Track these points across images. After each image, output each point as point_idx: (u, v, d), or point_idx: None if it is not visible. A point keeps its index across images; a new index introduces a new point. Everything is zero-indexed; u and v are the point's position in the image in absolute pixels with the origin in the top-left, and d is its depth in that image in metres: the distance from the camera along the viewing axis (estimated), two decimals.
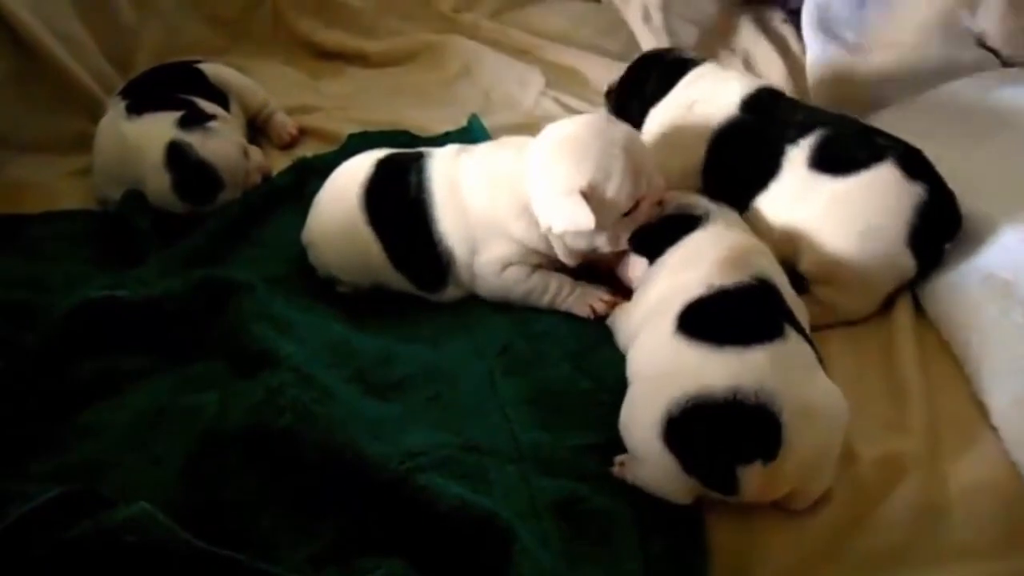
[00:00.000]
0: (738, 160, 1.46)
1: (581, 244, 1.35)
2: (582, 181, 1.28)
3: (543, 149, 1.34)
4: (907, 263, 1.37)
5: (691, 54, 1.64)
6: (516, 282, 1.40)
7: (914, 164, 1.37)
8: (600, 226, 1.29)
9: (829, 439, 1.12)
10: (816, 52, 2.02)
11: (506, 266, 1.40)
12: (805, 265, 1.39)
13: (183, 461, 1.16)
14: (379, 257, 1.45)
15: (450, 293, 1.46)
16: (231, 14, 2.27)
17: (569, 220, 1.29)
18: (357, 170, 1.49)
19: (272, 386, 1.20)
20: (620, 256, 1.39)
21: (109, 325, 1.34)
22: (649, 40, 2.07)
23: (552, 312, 1.42)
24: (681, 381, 1.10)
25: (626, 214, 1.32)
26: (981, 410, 1.24)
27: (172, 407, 1.23)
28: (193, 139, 1.67)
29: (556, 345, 1.35)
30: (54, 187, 1.85)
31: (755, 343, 1.10)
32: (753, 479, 1.06)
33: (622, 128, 1.34)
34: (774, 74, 2.01)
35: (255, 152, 1.81)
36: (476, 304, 1.45)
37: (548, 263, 1.41)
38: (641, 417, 1.13)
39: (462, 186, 1.40)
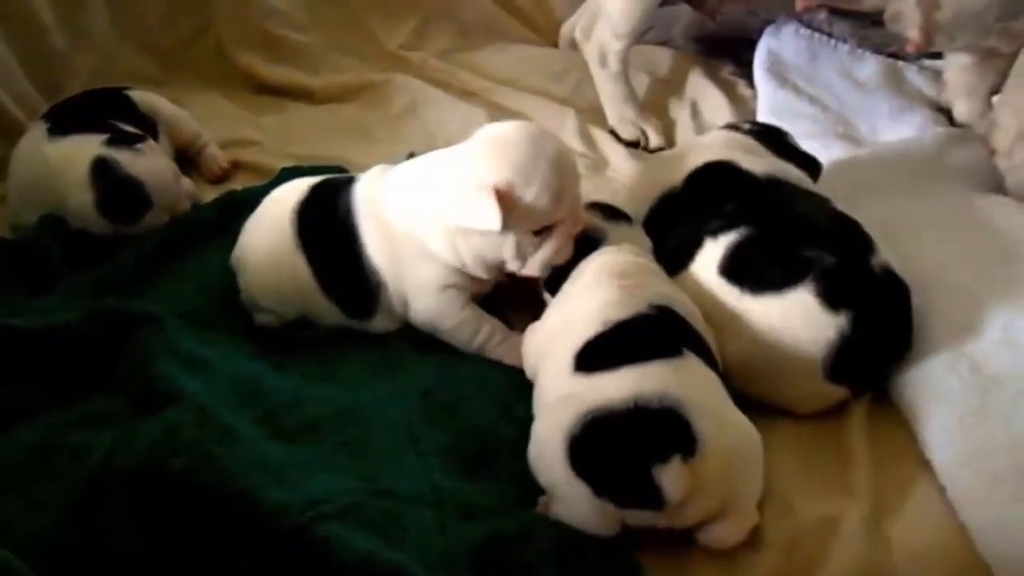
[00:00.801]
0: (668, 231, 1.38)
1: (486, 251, 1.28)
2: (497, 178, 1.21)
3: (468, 144, 1.29)
4: (830, 392, 1.23)
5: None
6: (449, 307, 1.33)
7: (841, 284, 1.19)
8: (506, 229, 1.21)
9: (747, 453, 1.08)
10: (767, 95, 2.03)
11: (441, 288, 1.33)
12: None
13: (66, 505, 1.06)
14: (308, 281, 1.38)
15: (379, 322, 1.39)
16: (170, 43, 2.20)
17: (474, 216, 1.22)
18: (291, 193, 1.44)
19: (170, 425, 1.11)
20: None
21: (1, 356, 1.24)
22: (603, 85, 2.05)
23: (480, 359, 1.35)
24: (579, 403, 1.05)
25: (538, 232, 1.25)
26: (928, 470, 1.17)
27: (58, 445, 1.13)
28: (121, 156, 1.59)
29: (482, 392, 1.27)
30: None
31: (653, 359, 1.07)
32: (675, 479, 0.99)
33: (558, 143, 1.28)
34: (719, 118, 2.00)
35: (186, 181, 1.74)
36: (400, 347, 1.38)
37: (474, 289, 1.35)
38: (545, 447, 1.07)
39: (384, 204, 1.34)
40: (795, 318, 1.20)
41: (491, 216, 1.20)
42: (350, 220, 1.35)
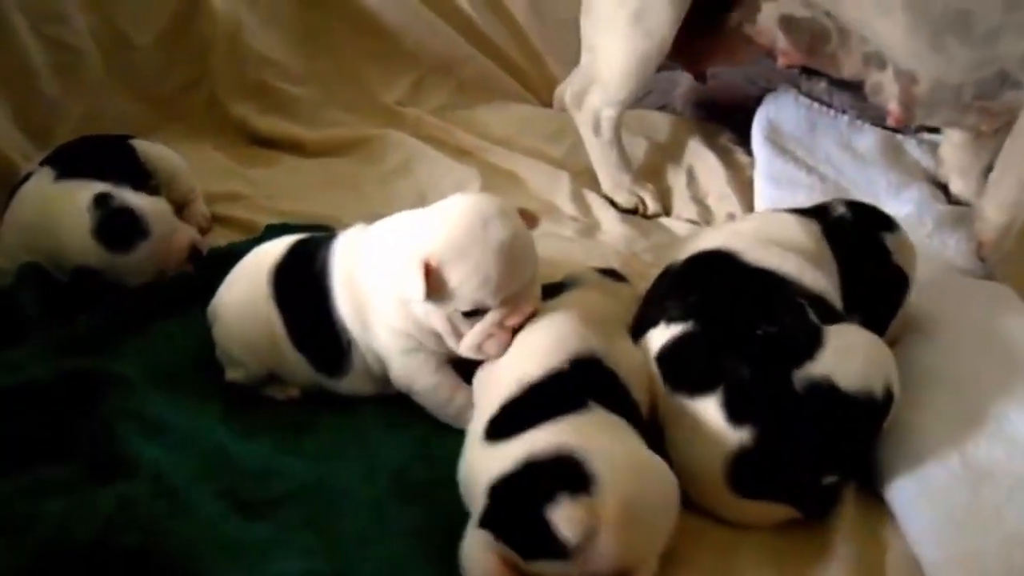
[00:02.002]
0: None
1: (424, 322, 1.25)
2: (430, 250, 1.19)
3: (426, 210, 1.27)
4: (746, 506, 1.16)
5: None
6: (419, 370, 1.30)
7: (748, 397, 1.14)
8: (433, 303, 1.20)
9: (655, 493, 1.06)
10: (764, 162, 2.02)
11: (405, 351, 1.30)
12: None
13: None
14: (281, 335, 1.36)
15: (353, 381, 1.35)
16: (163, 92, 2.18)
17: (406, 285, 1.20)
18: (272, 249, 1.43)
19: (125, 497, 1.07)
20: None
21: None
22: (596, 152, 2.03)
23: (458, 434, 1.27)
24: (482, 484, 1.05)
25: (471, 314, 1.22)
26: (913, 565, 1.13)
27: (7, 514, 1.08)
28: (121, 191, 1.61)
29: (454, 472, 1.19)
30: None
31: (554, 417, 1.07)
32: (566, 516, 0.97)
33: (511, 230, 1.21)
34: (715, 185, 1.99)
35: (187, 226, 1.72)
36: (375, 417, 1.33)
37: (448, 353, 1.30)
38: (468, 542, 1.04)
39: (354, 265, 1.32)
40: (703, 425, 1.15)
41: (415, 287, 1.18)
42: (324, 277, 1.33)
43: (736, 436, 1.13)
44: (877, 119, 2.09)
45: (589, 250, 1.79)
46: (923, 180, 1.99)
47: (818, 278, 1.30)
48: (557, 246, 1.78)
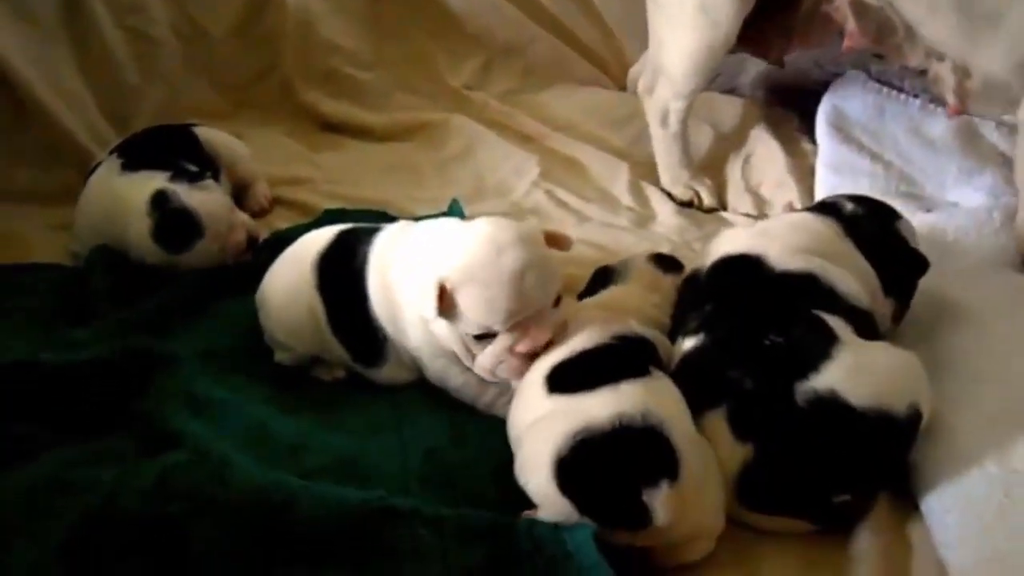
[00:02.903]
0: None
1: (441, 338, 1.28)
2: (443, 273, 1.21)
3: (454, 230, 1.30)
4: (749, 517, 1.16)
5: None
6: (446, 370, 1.34)
7: (751, 412, 1.13)
8: (446, 322, 1.23)
9: (714, 471, 1.11)
10: (828, 151, 1.98)
11: (432, 356, 1.33)
12: None
13: (63, 542, 1.07)
14: (323, 323, 1.40)
15: (388, 372, 1.39)
16: (239, 81, 2.26)
17: (418, 301, 1.24)
18: (319, 237, 1.47)
19: (168, 466, 1.13)
20: None
21: (22, 390, 1.28)
22: (660, 144, 2.02)
23: (491, 417, 1.32)
24: (563, 424, 1.08)
25: (481, 337, 1.23)
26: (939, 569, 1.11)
27: (60, 483, 1.14)
28: (179, 188, 1.65)
29: (484, 456, 1.25)
30: (31, 239, 1.83)
31: (625, 380, 1.11)
32: (663, 502, 1.01)
33: (530, 258, 1.21)
34: (771, 172, 1.97)
35: (244, 215, 1.78)
36: (413, 399, 1.37)
37: None
38: (533, 464, 1.09)
39: (389, 267, 1.35)
40: (713, 440, 1.14)
41: (429, 306, 1.21)
42: (362, 274, 1.36)
43: (741, 451, 1.12)
44: None
45: (641, 239, 1.79)
46: (998, 165, 1.91)
47: (850, 282, 1.27)
48: (610, 235, 1.80)
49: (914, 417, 1.15)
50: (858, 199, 1.46)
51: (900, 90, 2.09)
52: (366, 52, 2.33)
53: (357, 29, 2.34)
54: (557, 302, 1.25)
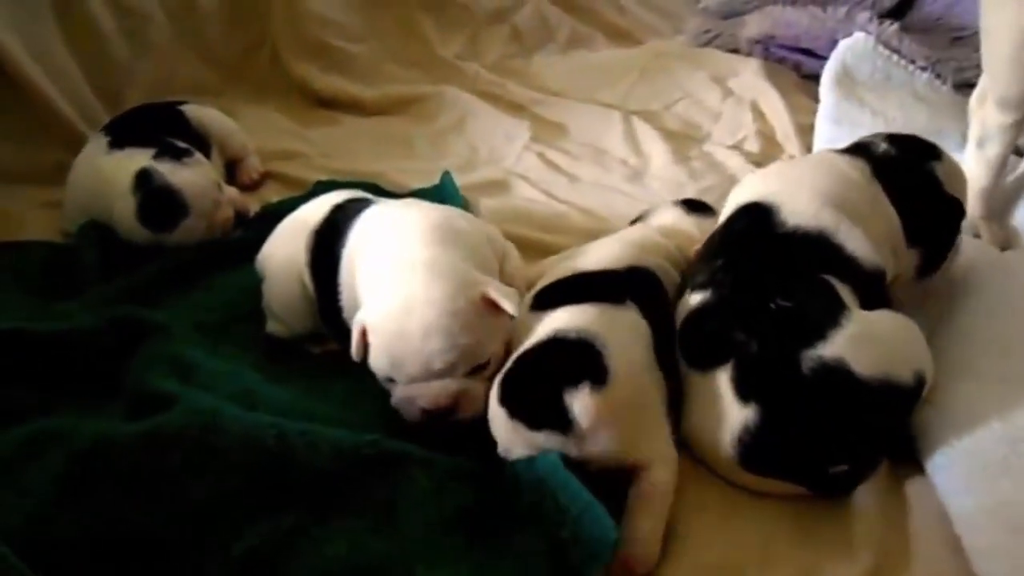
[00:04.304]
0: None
1: None
2: (366, 317, 1.19)
3: (401, 268, 1.23)
4: (746, 479, 1.14)
5: None
6: None
7: (755, 375, 1.10)
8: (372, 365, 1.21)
9: (659, 402, 1.13)
10: (829, 104, 1.98)
11: None
12: None
13: (52, 487, 1.06)
14: (313, 300, 1.38)
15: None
16: (229, 56, 2.25)
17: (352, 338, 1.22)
18: (317, 210, 1.44)
19: (160, 420, 1.11)
20: None
21: (8, 358, 1.27)
22: (970, 169, 1.57)
23: None
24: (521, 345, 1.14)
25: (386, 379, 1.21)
26: (937, 523, 1.10)
27: (48, 433, 1.12)
28: (164, 167, 1.64)
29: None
30: (22, 217, 1.82)
31: (589, 302, 1.15)
32: (585, 404, 1.04)
33: (435, 324, 1.15)
34: (777, 127, 2.01)
35: (232, 190, 1.78)
36: None
37: None
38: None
39: (358, 243, 1.31)
40: (715, 399, 1.12)
41: (352, 345, 1.20)
42: (341, 247, 1.33)
43: (743, 413, 1.10)
44: (957, 70, 2.02)
45: (633, 200, 1.77)
46: None
47: (861, 240, 1.23)
48: (601, 198, 1.78)
49: (919, 384, 1.14)
50: (895, 137, 1.38)
51: (898, 52, 2.08)
52: (356, 24, 2.32)
53: (347, 1, 2.32)
54: (476, 372, 1.18)
